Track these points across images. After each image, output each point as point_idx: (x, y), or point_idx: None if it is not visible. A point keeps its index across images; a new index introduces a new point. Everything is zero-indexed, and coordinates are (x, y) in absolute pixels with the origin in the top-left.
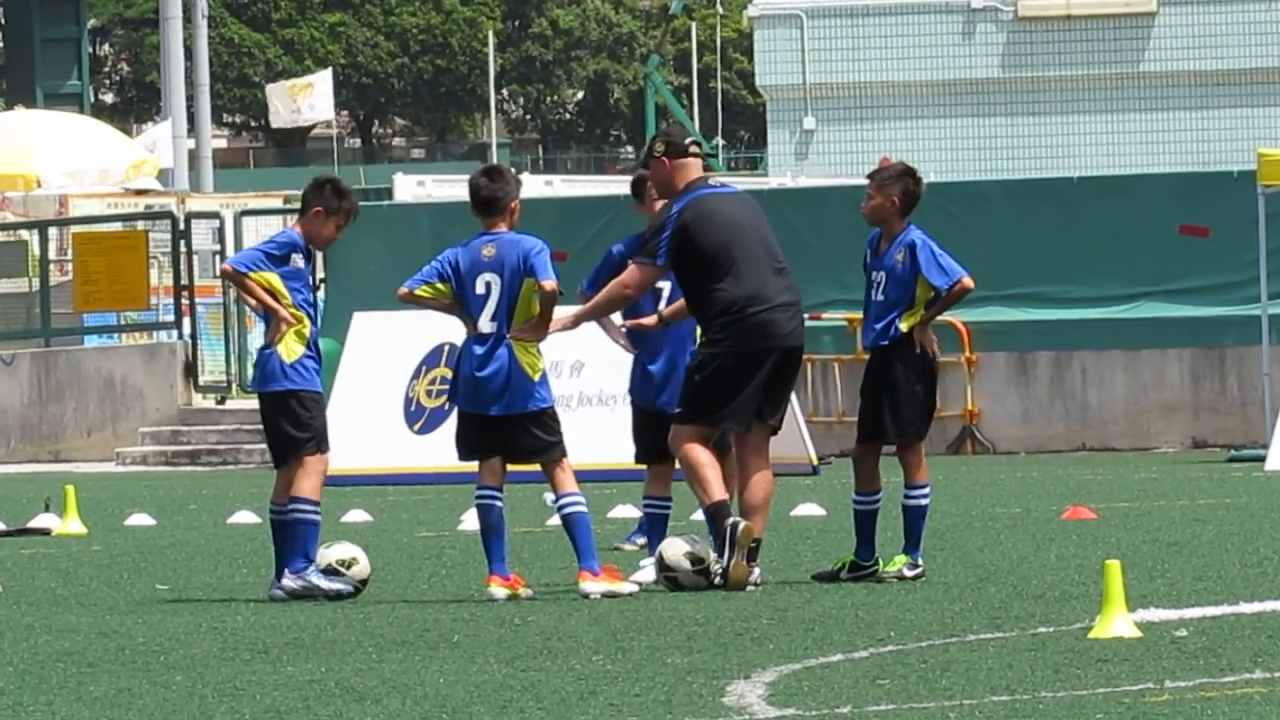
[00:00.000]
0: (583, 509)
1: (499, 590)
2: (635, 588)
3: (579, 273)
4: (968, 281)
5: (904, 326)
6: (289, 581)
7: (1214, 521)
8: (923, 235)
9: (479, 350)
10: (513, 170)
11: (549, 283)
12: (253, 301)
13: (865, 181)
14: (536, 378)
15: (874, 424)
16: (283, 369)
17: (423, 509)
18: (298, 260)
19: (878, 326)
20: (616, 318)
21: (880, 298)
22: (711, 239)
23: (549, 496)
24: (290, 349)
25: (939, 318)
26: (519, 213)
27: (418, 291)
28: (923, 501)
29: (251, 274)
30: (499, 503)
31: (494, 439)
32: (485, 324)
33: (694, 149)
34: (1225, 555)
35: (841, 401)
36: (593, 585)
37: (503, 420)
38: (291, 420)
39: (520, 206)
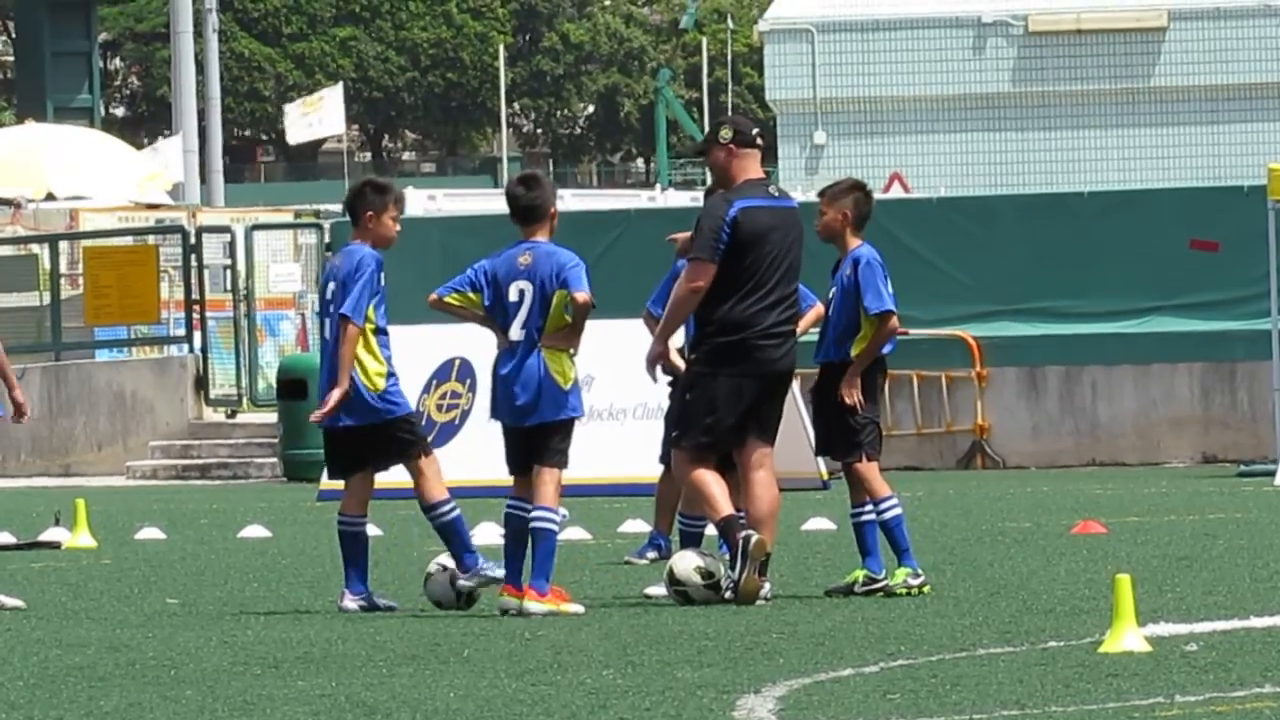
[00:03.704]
0: (554, 528)
1: (511, 600)
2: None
3: (591, 285)
4: (894, 322)
5: (854, 352)
6: (465, 581)
7: (1224, 536)
8: (873, 254)
9: (510, 363)
10: (548, 177)
11: (581, 294)
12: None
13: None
14: (568, 386)
15: (824, 441)
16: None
17: None
18: (381, 278)
19: (831, 342)
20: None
21: (833, 314)
22: (743, 255)
23: (563, 512)
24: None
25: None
26: (557, 218)
27: (448, 299)
28: (894, 512)
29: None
30: (526, 515)
31: (528, 451)
32: (515, 331)
33: (759, 141)
34: (1235, 570)
35: None
36: (536, 606)
37: (535, 430)
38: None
39: (558, 212)
